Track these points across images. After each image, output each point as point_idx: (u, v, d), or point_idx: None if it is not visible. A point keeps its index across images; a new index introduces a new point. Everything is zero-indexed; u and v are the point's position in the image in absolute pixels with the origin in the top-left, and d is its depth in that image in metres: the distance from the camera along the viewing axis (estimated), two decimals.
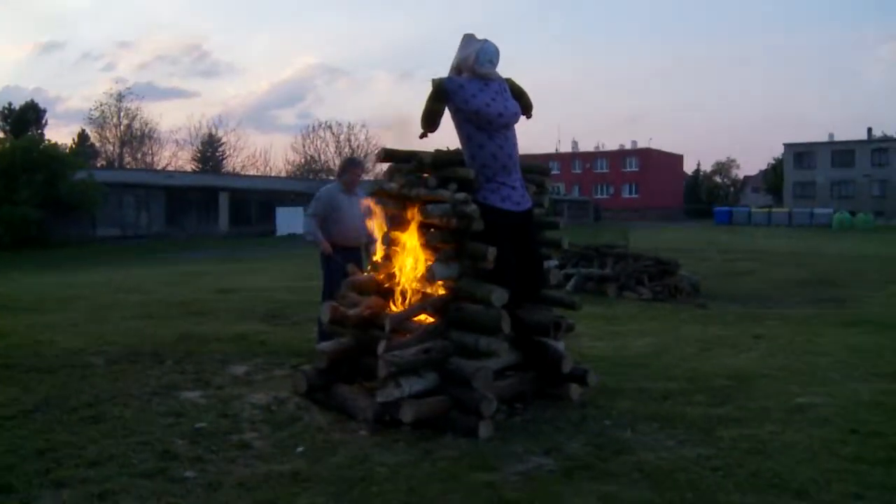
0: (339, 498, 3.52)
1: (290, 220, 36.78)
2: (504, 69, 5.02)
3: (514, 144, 4.94)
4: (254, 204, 36.67)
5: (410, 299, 4.91)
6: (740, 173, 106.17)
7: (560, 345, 5.23)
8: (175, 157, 64.82)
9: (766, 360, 6.91)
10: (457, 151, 4.98)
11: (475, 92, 4.76)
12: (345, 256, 6.91)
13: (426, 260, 4.82)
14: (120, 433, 4.50)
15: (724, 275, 16.68)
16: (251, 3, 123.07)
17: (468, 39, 4.91)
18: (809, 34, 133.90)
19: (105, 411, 4.96)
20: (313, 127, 66.75)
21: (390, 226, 5.06)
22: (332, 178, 63.56)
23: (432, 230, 4.76)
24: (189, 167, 62.20)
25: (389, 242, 5.10)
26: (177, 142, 65.97)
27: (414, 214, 4.86)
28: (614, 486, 3.66)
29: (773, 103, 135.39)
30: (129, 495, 3.54)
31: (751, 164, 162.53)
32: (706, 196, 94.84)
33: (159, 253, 25.36)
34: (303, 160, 66.00)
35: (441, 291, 4.82)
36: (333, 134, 66.17)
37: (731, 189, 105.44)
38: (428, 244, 4.78)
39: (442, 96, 4.82)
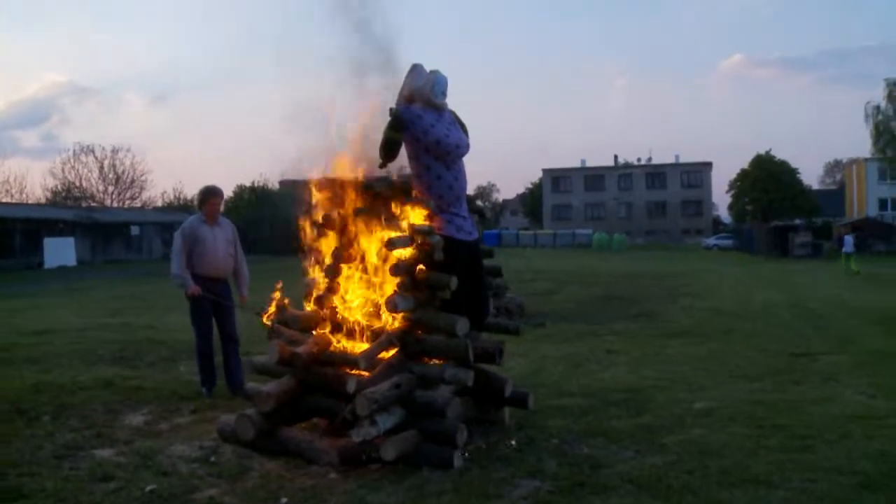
0: None
1: (60, 251, 33.45)
2: None
3: (465, 175, 5.05)
4: (18, 233, 32.75)
5: (363, 333, 4.81)
6: (500, 196, 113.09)
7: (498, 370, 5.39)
8: None
9: (638, 373, 7.57)
10: (405, 181, 4.98)
11: (433, 122, 4.82)
12: (210, 288, 6.69)
13: (384, 292, 4.76)
14: None
15: (528, 295, 17.73)
16: None
17: (419, 69, 4.96)
18: (559, 62, 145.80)
19: (20, 484, 4.27)
20: (74, 151, 61.35)
21: (335, 258, 4.93)
22: (94, 204, 58.92)
23: (392, 262, 4.71)
24: None
25: (332, 275, 4.96)
26: None
27: (363, 244, 4.79)
28: (618, 498, 3.90)
29: (528, 129, 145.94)
30: None
31: (509, 188, 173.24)
32: None
33: None
34: (62, 186, 60.32)
35: (398, 324, 4.78)
36: (97, 159, 61.31)
37: (493, 211, 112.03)
38: (390, 275, 4.72)
39: (400, 126, 4.82)
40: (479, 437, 5.09)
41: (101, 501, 4.03)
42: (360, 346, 4.77)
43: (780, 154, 70.52)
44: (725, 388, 6.70)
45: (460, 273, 4.83)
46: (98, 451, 4.95)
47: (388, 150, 4.90)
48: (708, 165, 79.08)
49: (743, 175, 70.79)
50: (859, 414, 5.68)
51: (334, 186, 4.94)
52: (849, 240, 28.50)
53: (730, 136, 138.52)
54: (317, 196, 5.08)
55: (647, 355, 8.68)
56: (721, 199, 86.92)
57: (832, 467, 4.36)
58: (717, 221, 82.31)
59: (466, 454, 4.63)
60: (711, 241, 60.44)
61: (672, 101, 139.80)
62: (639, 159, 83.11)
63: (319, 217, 4.98)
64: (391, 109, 4.85)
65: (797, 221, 54.86)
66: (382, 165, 4.96)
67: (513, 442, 4.96)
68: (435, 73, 4.95)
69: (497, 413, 5.46)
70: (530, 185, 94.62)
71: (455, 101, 5.05)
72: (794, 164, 68.65)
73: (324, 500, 3.98)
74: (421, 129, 4.80)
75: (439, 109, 4.91)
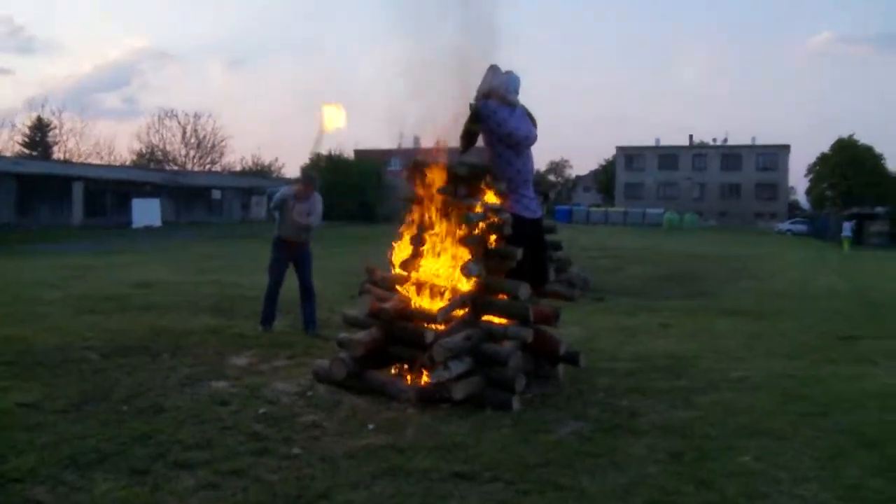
0: (448, 459, 4.23)
1: (146, 212, 35.49)
2: None
3: (532, 161, 5.83)
4: (109, 194, 35.02)
5: (441, 294, 5.65)
6: (573, 172, 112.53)
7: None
8: (11, 142, 60.03)
9: (685, 344, 8.25)
10: (483, 166, 5.78)
11: (506, 116, 5.60)
12: (291, 248, 8.17)
13: (459, 259, 5.59)
14: (192, 421, 4.89)
15: (593, 271, 18.33)
16: None
17: (495, 70, 5.74)
18: (635, 36, 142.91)
19: (157, 403, 5.28)
20: (158, 115, 64.26)
21: (419, 229, 5.77)
22: (176, 167, 61.73)
23: (467, 234, 5.53)
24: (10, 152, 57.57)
25: (416, 243, 5.81)
26: (12, 124, 61.28)
27: (446, 219, 5.62)
28: (649, 439, 4.67)
29: (603, 106, 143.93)
30: (268, 471, 4.02)
31: (582, 164, 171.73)
32: None
33: (16, 244, 23.83)
34: (146, 149, 63.34)
35: (470, 287, 5.61)
36: (179, 123, 64.03)
37: (564, 188, 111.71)
38: (463, 245, 5.54)
39: (477, 119, 5.62)
40: (536, 388, 5.89)
41: (225, 418, 4.99)
42: (437, 305, 5.61)
43: (864, 139, 68.37)
44: (763, 361, 7.33)
45: (525, 246, 5.61)
46: (214, 382, 5.95)
47: (467, 140, 5.72)
48: (785, 148, 77.12)
49: (823, 159, 68.96)
50: (884, 392, 6.19)
51: (421, 168, 5.76)
52: (846, 225, 36.03)
53: (811, 117, 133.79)
54: (406, 175, 5.93)
55: (697, 330, 9.31)
56: (799, 182, 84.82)
57: (840, 430, 4.99)
58: (793, 206, 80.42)
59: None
60: (785, 225, 59.39)
61: (750, 81, 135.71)
62: (714, 140, 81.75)
63: (407, 194, 5.83)
64: (470, 105, 5.65)
65: (878, 209, 53.28)
66: (462, 152, 5.78)
67: (625, 402, 5.69)
68: (509, 73, 5.72)
69: (552, 370, 6.25)
70: (603, 162, 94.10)
71: (531, 77, 5.76)
72: (879, 149, 66.56)
73: (403, 428, 4.85)
74: (495, 122, 5.59)
75: (512, 105, 5.68)
